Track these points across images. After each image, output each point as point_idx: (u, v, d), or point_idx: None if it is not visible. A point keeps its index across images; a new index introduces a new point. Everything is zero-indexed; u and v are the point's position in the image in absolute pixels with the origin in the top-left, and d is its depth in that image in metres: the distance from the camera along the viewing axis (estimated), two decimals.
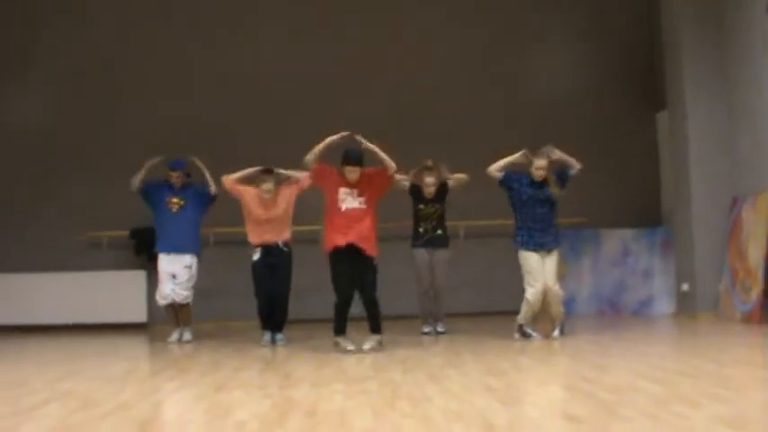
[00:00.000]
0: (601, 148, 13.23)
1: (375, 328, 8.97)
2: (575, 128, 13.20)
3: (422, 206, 10.45)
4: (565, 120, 13.28)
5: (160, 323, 12.48)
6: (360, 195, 8.91)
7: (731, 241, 11.26)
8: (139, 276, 12.96)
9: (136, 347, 10.87)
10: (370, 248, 8.88)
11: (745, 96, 11.14)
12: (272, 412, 5.59)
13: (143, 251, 12.94)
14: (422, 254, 10.45)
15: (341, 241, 8.81)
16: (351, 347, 8.87)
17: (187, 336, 10.69)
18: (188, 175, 10.74)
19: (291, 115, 13.14)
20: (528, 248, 9.60)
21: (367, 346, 8.91)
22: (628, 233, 13.00)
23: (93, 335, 12.02)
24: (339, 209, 8.87)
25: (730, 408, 5.32)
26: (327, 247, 8.91)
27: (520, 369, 7.45)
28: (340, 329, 9.01)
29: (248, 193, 9.97)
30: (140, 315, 12.88)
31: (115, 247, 13.14)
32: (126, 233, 13.06)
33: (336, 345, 8.99)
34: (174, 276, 10.53)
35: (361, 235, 8.84)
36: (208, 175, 10.56)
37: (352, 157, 8.86)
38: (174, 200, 10.64)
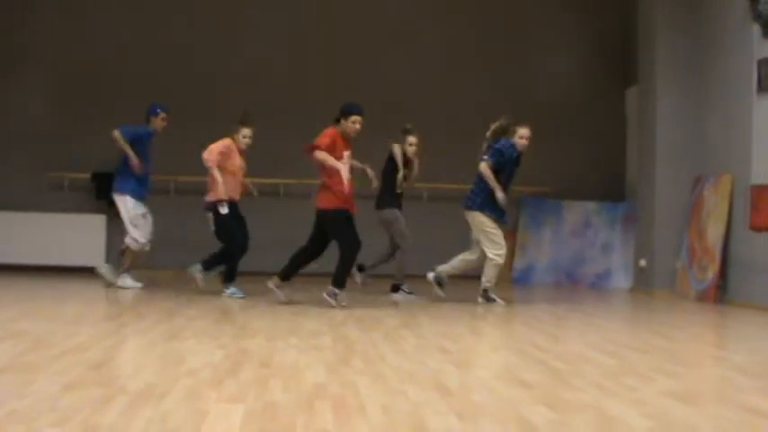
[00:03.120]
0: (569, 120, 13.28)
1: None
2: (544, 100, 13.22)
3: (405, 170, 10.38)
4: (534, 92, 13.28)
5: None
6: (350, 158, 9.09)
7: (691, 220, 11.35)
8: (99, 220, 12.87)
9: (92, 291, 10.80)
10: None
11: (715, 76, 11.18)
12: (224, 362, 5.58)
13: (104, 195, 12.82)
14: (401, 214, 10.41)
15: (348, 206, 9.02)
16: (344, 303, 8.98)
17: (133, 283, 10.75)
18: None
19: (290, 112, 13.08)
20: (494, 214, 9.62)
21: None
22: (590, 206, 13.07)
23: (50, 277, 11.94)
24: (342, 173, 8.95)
25: (680, 383, 5.38)
26: (336, 205, 8.97)
27: (475, 333, 7.49)
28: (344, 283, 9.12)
29: (228, 146, 9.94)
30: (99, 259, 12.77)
31: (76, 189, 13.02)
32: (88, 176, 12.94)
33: (334, 296, 9.01)
34: (143, 217, 10.55)
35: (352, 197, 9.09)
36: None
37: (360, 107, 9.05)
38: (136, 150, 10.52)
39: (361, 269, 10.48)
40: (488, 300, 9.71)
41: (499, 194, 9.50)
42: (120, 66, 13.20)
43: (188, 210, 12.02)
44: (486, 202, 9.64)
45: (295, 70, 13.34)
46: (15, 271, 12.32)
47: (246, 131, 10.02)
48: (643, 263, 12.11)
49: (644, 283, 12.05)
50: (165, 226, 11.54)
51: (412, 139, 10.33)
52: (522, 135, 9.67)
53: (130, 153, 10.33)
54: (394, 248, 10.43)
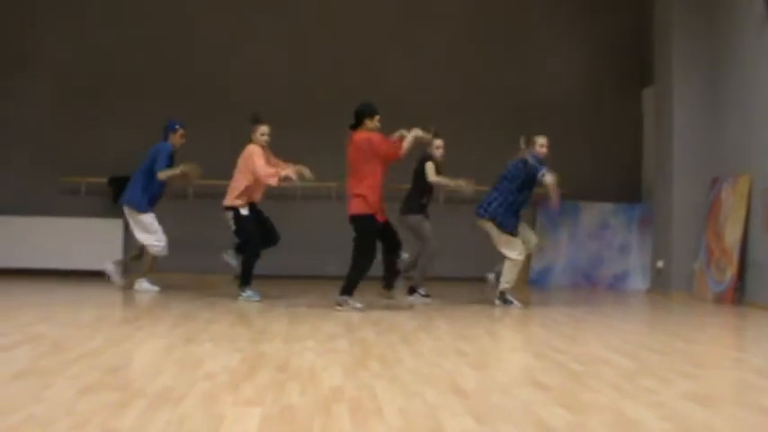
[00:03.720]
0: (586, 121, 13.24)
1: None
2: (561, 101, 13.20)
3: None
4: (551, 93, 13.25)
5: (135, 272, 12.45)
6: None
7: (709, 221, 11.30)
8: (116, 224, 12.86)
9: (109, 295, 10.82)
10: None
11: (732, 77, 11.13)
12: (242, 365, 5.59)
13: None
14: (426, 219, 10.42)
15: (380, 216, 9.14)
16: (360, 305, 9.03)
17: (148, 286, 10.84)
18: None
19: (296, 113, 13.12)
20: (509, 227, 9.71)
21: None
22: (607, 207, 13.03)
23: (67, 281, 11.97)
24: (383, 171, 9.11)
25: (698, 385, 5.36)
26: (371, 211, 9.06)
27: (492, 335, 7.48)
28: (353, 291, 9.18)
29: (260, 154, 9.97)
30: None
31: (93, 193, 13.05)
32: (104, 180, 12.97)
33: (345, 304, 9.04)
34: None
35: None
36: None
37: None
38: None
39: (411, 292, 10.38)
40: (505, 302, 9.70)
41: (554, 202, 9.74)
42: (138, 69, 13.21)
43: (205, 213, 12.02)
44: (500, 212, 9.71)
45: (296, 72, 13.27)
46: (32, 275, 12.35)
47: (264, 129, 10.04)
48: (660, 264, 12.05)
49: (661, 285, 11.99)
50: (183, 229, 11.58)
51: (438, 142, 10.31)
52: (542, 144, 9.77)
53: (185, 170, 10.57)
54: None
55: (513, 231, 9.72)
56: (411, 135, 9.11)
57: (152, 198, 10.78)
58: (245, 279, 10.03)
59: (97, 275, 12.32)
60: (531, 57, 13.52)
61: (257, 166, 9.83)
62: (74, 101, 13.12)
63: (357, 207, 9.06)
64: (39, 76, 13.13)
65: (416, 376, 5.35)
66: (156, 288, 10.69)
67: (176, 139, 10.73)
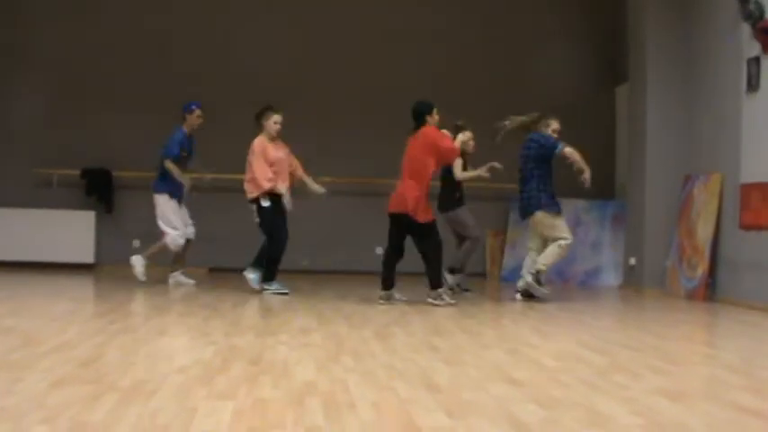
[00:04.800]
0: (559, 118, 13.25)
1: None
2: (534, 97, 13.21)
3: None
4: (524, 90, 13.27)
5: (108, 264, 12.44)
6: None
7: (681, 218, 11.37)
8: (89, 217, 12.83)
9: (82, 288, 10.78)
10: None
11: (705, 75, 11.20)
12: (214, 359, 5.58)
13: (94, 191, 12.82)
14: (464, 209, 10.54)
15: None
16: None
17: (187, 280, 10.87)
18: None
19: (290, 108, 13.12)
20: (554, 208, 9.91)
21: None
22: (580, 204, 13.07)
23: (39, 273, 11.90)
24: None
25: (670, 380, 5.39)
26: (430, 216, 9.23)
27: (465, 331, 7.49)
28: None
29: (263, 147, 9.97)
30: (88, 256, 12.77)
31: (65, 185, 12.97)
32: (77, 172, 12.89)
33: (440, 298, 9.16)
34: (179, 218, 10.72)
35: None
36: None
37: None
38: (184, 153, 10.71)
39: (452, 271, 10.49)
40: (538, 282, 9.77)
41: (587, 174, 9.87)
42: (111, 63, 13.13)
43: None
44: (543, 198, 9.86)
45: (297, 71, 13.26)
46: (4, 268, 12.27)
47: (276, 117, 10.01)
48: (633, 261, 12.12)
49: (634, 281, 12.06)
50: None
51: (468, 134, 10.39)
52: (555, 129, 9.85)
53: (184, 181, 10.53)
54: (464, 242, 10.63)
55: (559, 212, 9.81)
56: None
57: (175, 187, 10.63)
58: (270, 273, 9.95)
59: (70, 268, 12.29)
60: (504, 56, 13.54)
61: (255, 168, 9.83)
62: (49, 93, 13.01)
63: (423, 215, 9.13)
64: (15, 72, 13.02)
65: (389, 371, 5.35)
66: (192, 281, 10.78)
67: (193, 119, 10.64)
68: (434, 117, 9.27)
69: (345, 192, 11.59)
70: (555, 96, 13.33)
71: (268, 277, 9.92)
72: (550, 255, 9.78)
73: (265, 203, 9.84)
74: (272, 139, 10.00)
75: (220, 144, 11.99)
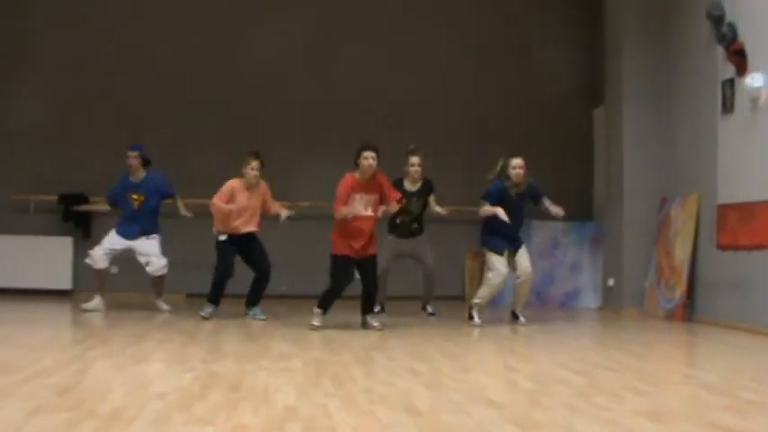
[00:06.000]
0: (536, 140, 13.29)
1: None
2: (511, 119, 13.29)
3: (404, 199, 10.25)
4: (500, 111, 13.34)
5: (85, 290, 12.33)
6: (368, 204, 9.11)
7: (659, 239, 11.42)
8: (66, 242, 12.74)
9: (59, 315, 10.72)
10: (373, 249, 9.21)
11: (681, 97, 11.28)
12: (193, 385, 5.54)
13: (71, 217, 12.75)
14: (391, 240, 10.48)
15: (348, 251, 9.04)
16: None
17: (165, 306, 10.81)
18: (146, 162, 10.82)
19: (289, 112, 13.15)
20: (498, 248, 9.82)
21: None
22: (558, 226, 13.09)
23: (15, 300, 11.80)
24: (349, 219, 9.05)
25: (649, 401, 5.40)
26: (336, 250, 9.10)
27: (445, 354, 7.48)
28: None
29: (232, 188, 10.08)
30: (65, 282, 12.68)
31: (42, 211, 12.89)
32: (54, 198, 12.82)
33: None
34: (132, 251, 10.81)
35: (365, 242, 9.09)
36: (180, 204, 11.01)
37: (372, 145, 9.11)
38: (135, 196, 10.79)
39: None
40: (470, 317, 9.78)
41: (500, 214, 9.62)
42: (88, 88, 13.08)
43: (185, 233, 11.80)
44: (487, 240, 9.84)
45: (292, 83, 13.27)
46: None
47: (253, 163, 10.09)
48: (611, 282, 12.15)
49: (613, 303, 12.09)
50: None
51: (414, 158, 10.41)
52: (513, 165, 9.82)
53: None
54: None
55: (493, 249, 9.77)
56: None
57: (122, 225, 10.87)
58: (210, 296, 10.13)
59: (47, 294, 12.20)
60: (482, 78, 13.58)
61: (215, 196, 10.00)
62: (26, 120, 12.93)
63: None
64: None
65: (370, 395, 5.34)
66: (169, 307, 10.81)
67: (129, 159, 10.79)
68: (360, 159, 9.11)
69: (325, 216, 11.51)
70: (531, 118, 13.41)
71: (209, 298, 10.10)
72: (481, 290, 9.96)
73: (221, 238, 10.06)
74: (250, 185, 10.06)
75: (198, 167, 12.02)
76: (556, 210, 10.13)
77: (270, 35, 13.22)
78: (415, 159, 10.41)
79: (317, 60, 13.32)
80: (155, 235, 10.81)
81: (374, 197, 9.11)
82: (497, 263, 9.77)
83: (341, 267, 9.08)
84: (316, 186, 12.26)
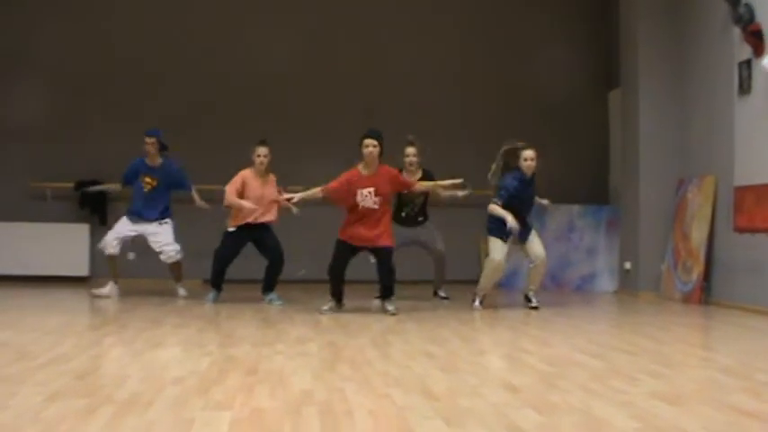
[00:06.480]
0: (552, 123, 13.28)
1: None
2: (527, 103, 13.27)
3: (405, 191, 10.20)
4: (516, 95, 13.33)
5: (102, 277, 12.37)
6: (376, 195, 9.12)
7: (676, 222, 11.38)
8: (83, 229, 12.80)
9: (76, 301, 10.75)
10: (385, 241, 9.21)
11: (697, 78, 11.22)
12: (210, 370, 5.56)
13: (88, 204, 12.79)
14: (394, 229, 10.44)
15: (347, 238, 9.17)
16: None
17: (182, 292, 10.83)
18: (163, 147, 10.80)
19: (289, 110, 13.15)
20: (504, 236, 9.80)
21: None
22: (574, 209, 13.08)
23: (33, 287, 11.86)
24: (356, 208, 9.15)
25: (666, 384, 5.39)
26: (339, 235, 9.23)
27: (461, 338, 7.47)
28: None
29: (243, 177, 10.10)
30: (82, 269, 12.74)
31: (60, 198, 12.93)
32: (71, 185, 12.86)
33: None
34: (141, 235, 10.85)
35: (376, 232, 9.13)
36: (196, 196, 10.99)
37: (373, 132, 9.21)
38: (147, 179, 10.78)
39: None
40: (472, 300, 9.85)
41: (511, 223, 9.53)
42: (103, 77, 13.11)
43: (181, 217, 11.85)
44: (493, 230, 9.80)
45: (295, 78, 13.25)
46: None
47: (259, 150, 10.12)
48: (628, 265, 12.12)
49: (629, 286, 12.06)
50: None
51: (410, 149, 10.37)
52: (525, 157, 9.77)
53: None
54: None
55: (494, 234, 9.76)
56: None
57: (134, 208, 10.88)
58: (211, 281, 10.27)
59: (64, 281, 12.26)
60: (499, 61, 13.55)
61: (228, 186, 10.01)
62: (43, 107, 12.96)
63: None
64: (10, 85, 12.97)
65: (386, 379, 5.34)
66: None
67: (146, 145, 10.80)
68: (361, 147, 9.19)
69: None
70: (548, 101, 13.38)
71: (211, 282, 10.27)
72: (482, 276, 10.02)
73: (230, 230, 10.10)
74: (261, 173, 10.06)
75: (210, 156, 12.03)
76: (544, 203, 10.45)
77: (283, 25, 13.23)
78: (410, 150, 10.33)
79: (331, 53, 13.34)
80: (167, 221, 10.82)
81: (384, 190, 9.15)
82: (493, 250, 9.77)
83: (338, 250, 9.25)
84: (331, 173, 12.26)
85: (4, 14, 13.08)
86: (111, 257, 10.74)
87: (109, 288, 10.74)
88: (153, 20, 13.26)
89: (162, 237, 10.73)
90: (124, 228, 10.78)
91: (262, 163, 10.09)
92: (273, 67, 13.18)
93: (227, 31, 13.28)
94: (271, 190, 10.15)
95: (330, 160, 11.56)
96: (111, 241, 10.70)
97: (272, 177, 10.23)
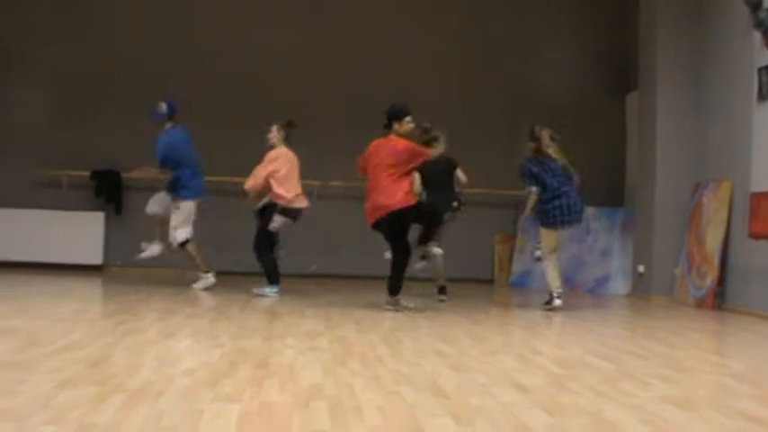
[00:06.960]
0: (569, 125, 13.22)
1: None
2: (544, 104, 13.23)
3: None
4: (534, 97, 13.30)
5: (116, 266, 12.45)
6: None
7: (690, 226, 11.34)
8: (97, 218, 12.85)
9: (89, 289, 10.80)
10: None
11: (716, 83, 11.17)
12: (221, 361, 5.57)
13: (103, 192, 12.84)
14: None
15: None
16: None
17: (199, 284, 10.73)
18: (160, 118, 10.67)
19: (291, 108, 13.06)
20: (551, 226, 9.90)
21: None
22: (590, 211, 13.01)
23: (47, 274, 11.91)
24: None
25: (677, 388, 5.37)
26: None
27: (472, 337, 7.47)
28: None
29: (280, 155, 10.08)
30: (96, 257, 12.78)
31: (75, 186, 12.98)
32: (87, 173, 12.90)
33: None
34: None
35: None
36: None
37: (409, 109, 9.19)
38: None
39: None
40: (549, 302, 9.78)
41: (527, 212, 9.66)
42: (120, 64, 13.15)
43: (213, 211, 11.83)
44: (540, 219, 9.84)
45: (303, 74, 13.28)
46: (12, 268, 12.27)
47: (269, 128, 10.20)
48: (642, 269, 12.08)
49: (642, 289, 12.02)
50: None
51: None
52: (545, 139, 9.75)
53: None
54: None
55: (544, 225, 9.81)
56: None
57: (198, 183, 10.83)
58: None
59: (78, 269, 12.31)
60: (516, 63, 13.54)
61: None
62: (57, 95, 13.01)
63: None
64: (24, 73, 13.02)
65: (396, 376, 5.34)
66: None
67: None
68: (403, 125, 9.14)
69: (354, 196, 11.52)
70: (564, 103, 13.34)
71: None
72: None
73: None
74: (285, 150, 10.12)
75: (223, 146, 12.08)
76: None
77: (285, 24, 13.28)
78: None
79: (332, 53, 13.37)
80: (179, 202, 10.58)
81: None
82: (543, 242, 9.79)
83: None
84: (331, 170, 12.29)
85: (15, 12, 13.11)
86: (152, 217, 10.67)
87: (153, 248, 10.73)
88: (153, 20, 13.27)
89: (173, 219, 10.60)
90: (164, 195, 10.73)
91: (270, 139, 10.12)
92: (275, 66, 13.19)
93: (227, 30, 13.30)
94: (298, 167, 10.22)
95: (331, 158, 11.62)
96: (150, 201, 10.65)
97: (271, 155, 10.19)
